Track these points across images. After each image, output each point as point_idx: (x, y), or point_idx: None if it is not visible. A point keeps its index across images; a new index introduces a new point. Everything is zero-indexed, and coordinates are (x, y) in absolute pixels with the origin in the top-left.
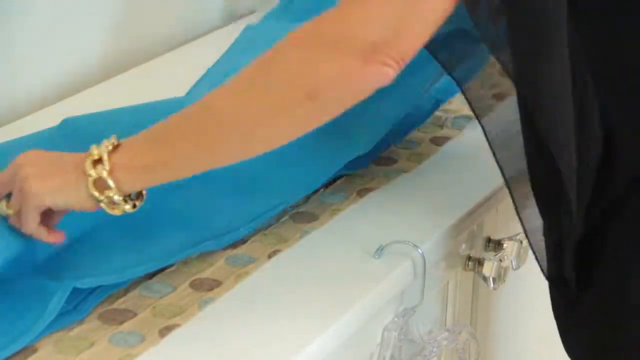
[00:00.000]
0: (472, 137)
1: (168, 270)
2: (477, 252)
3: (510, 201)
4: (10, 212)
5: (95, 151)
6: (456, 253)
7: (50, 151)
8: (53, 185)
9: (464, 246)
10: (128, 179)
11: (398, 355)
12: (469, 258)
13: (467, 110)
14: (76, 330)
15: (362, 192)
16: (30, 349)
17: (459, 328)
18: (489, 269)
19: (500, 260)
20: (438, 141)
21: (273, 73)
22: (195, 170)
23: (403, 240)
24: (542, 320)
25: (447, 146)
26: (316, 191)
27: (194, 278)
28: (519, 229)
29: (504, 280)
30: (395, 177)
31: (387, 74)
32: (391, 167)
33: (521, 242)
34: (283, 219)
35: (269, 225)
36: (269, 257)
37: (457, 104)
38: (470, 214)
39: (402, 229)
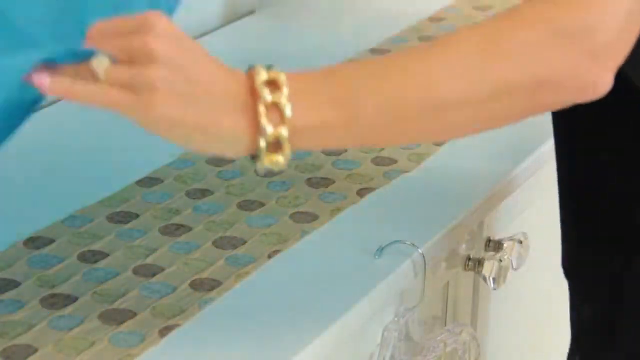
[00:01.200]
0: (472, 136)
1: (168, 270)
2: (477, 252)
3: (511, 201)
4: (102, 76)
5: (262, 71)
6: (456, 253)
7: (188, 46)
8: (189, 118)
9: (464, 246)
10: (309, 112)
11: (398, 355)
12: (469, 258)
13: None
14: (76, 330)
15: (362, 192)
16: (30, 348)
17: (459, 328)
18: (489, 269)
19: (500, 260)
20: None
21: (502, 52)
22: (372, 139)
23: (403, 240)
24: (542, 320)
25: (447, 146)
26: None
27: (194, 278)
28: (519, 228)
29: (504, 280)
30: (395, 177)
31: (609, 81)
32: (391, 167)
33: (521, 242)
34: (283, 219)
35: (269, 225)
36: (269, 257)
37: None
38: (470, 214)
39: (402, 229)
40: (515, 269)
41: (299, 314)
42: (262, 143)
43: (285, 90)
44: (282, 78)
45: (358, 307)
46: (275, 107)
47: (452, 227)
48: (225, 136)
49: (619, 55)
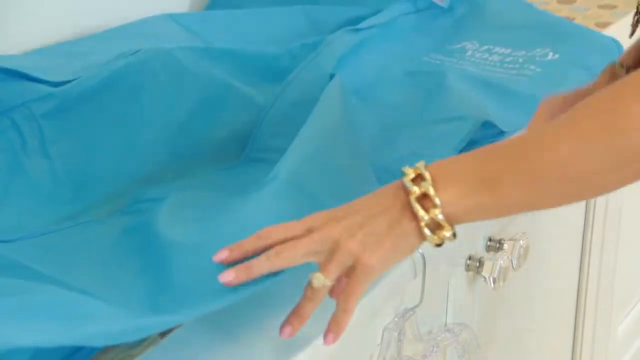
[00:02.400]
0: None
1: None
2: (477, 252)
3: None
4: (328, 282)
5: (414, 187)
6: (456, 253)
7: (343, 206)
8: (388, 247)
9: (464, 246)
10: (458, 197)
11: (398, 355)
12: (469, 258)
13: None
14: None
15: None
16: None
17: (459, 328)
18: (489, 269)
19: (500, 260)
20: None
21: (619, 122)
22: (519, 210)
23: None
24: (542, 320)
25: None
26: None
27: None
28: (519, 229)
29: (504, 280)
30: None
31: None
32: None
33: (521, 242)
34: None
35: None
36: None
37: None
38: None
39: None
40: (515, 269)
41: None
42: (427, 231)
43: (428, 178)
44: (425, 171)
45: (358, 307)
46: (427, 197)
47: None
48: (410, 233)
49: None
